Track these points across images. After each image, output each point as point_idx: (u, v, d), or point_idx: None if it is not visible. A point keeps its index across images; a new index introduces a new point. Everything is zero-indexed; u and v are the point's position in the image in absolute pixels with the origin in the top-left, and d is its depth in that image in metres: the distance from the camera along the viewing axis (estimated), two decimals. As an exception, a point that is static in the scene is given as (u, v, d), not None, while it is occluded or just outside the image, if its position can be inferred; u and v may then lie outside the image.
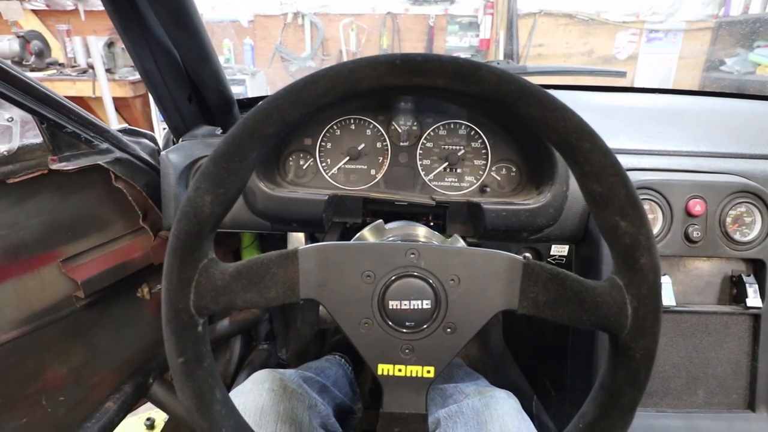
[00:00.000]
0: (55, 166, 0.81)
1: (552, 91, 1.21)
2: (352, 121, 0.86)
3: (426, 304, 0.48)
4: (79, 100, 3.51)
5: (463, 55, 4.31)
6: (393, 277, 0.48)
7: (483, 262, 0.48)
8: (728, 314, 0.84)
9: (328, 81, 0.43)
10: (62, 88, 3.43)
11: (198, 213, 0.43)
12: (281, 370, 0.81)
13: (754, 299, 0.82)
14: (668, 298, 0.81)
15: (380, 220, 0.64)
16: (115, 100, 3.39)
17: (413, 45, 4.48)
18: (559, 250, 0.93)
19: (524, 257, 0.48)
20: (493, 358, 1.34)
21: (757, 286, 0.82)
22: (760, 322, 0.83)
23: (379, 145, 0.86)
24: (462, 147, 0.85)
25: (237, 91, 3.84)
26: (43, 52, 3.55)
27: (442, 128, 0.85)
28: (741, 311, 0.83)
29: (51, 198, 0.87)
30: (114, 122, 3.39)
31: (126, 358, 1.06)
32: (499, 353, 1.31)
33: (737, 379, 0.84)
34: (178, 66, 0.81)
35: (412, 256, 0.48)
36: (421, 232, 0.66)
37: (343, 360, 1.14)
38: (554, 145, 0.45)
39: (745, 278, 0.83)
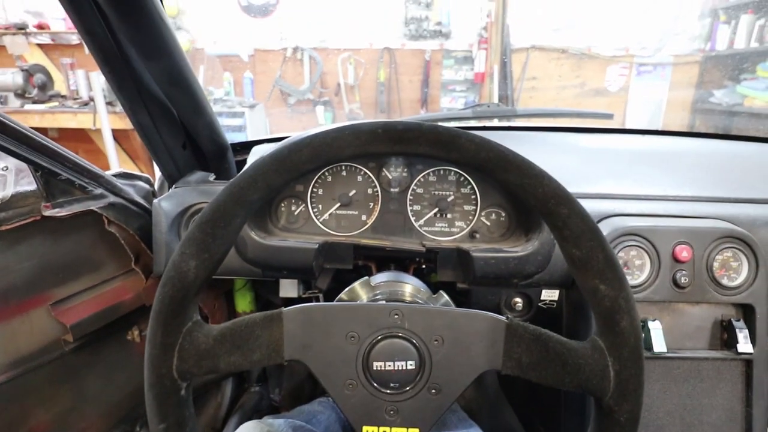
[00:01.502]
0: (48, 213, 0.82)
1: (541, 133, 1.24)
2: (343, 168, 0.87)
3: (410, 365, 0.48)
4: (79, 131, 3.56)
5: (458, 87, 4.39)
6: (378, 338, 0.49)
7: (466, 323, 0.49)
8: (720, 360, 0.83)
9: (312, 149, 0.44)
10: (63, 120, 3.49)
11: (182, 278, 0.44)
12: (270, 420, 0.80)
13: (744, 345, 0.81)
14: (659, 344, 0.81)
15: (367, 278, 0.64)
16: (115, 131, 3.43)
17: (410, 78, 4.58)
18: (550, 294, 0.93)
19: (507, 318, 0.49)
20: (489, 400, 1.32)
21: (747, 331, 0.82)
22: (752, 368, 0.82)
23: (369, 191, 0.87)
24: (452, 193, 0.87)
25: (236, 123, 3.91)
26: (45, 85, 3.62)
27: (432, 174, 0.87)
28: (733, 356, 0.83)
29: (43, 242, 0.87)
30: (112, 153, 3.42)
31: (114, 403, 1.04)
32: (494, 395, 1.29)
33: (732, 426, 0.83)
34: (172, 118, 0.82)
35: (396, 317, 0.49)
36: (408, 289, 0.66)
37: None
38: (534, 210, 0.46)
39: (734, 323, 0.83)
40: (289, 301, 1.04)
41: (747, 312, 0.83)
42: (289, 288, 1.01)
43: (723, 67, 4.22)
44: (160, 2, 0.62)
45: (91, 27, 0.62)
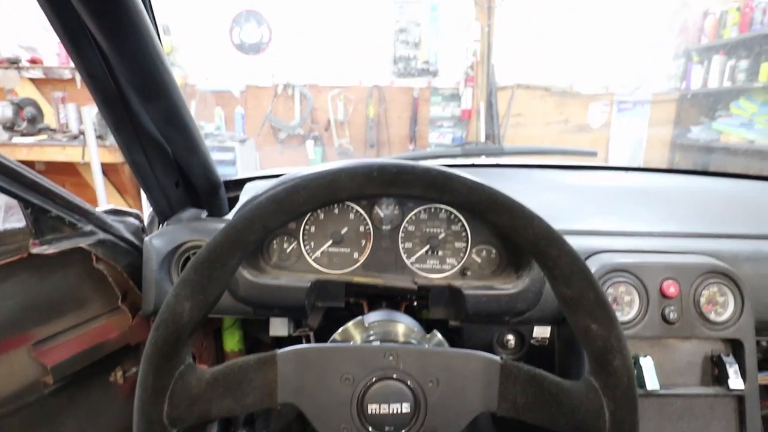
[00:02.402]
0: (35, 250, 0.81)
1: (528, 171, 1.27)
2: (335, 206, 0.88)
3: (405, 408, 0.48)
4: (67, 165, 3.54)
5: (446, 123, 4.49)
6: (373, 380, 0.48)
7: (461, 364, 0.49)
8: (712, 396, 0.83)
9: (309, 191, 0.45)
10: (52, 153, 3.48)
11: (177, 320, 0.43)
12: None
13: (735, 381, 0.82)
14: (651, 382, 0.81)
15: (360, 318, 0.64)
16: (104, 165, 3.43)
17: (398, 114, 4.68)
18: (542, 331, 0.93)
19: (501, 358, 0.49)
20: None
21: (737, 366, 0.82)
22: (744, 404, 0.82)
23: (361, 228, 0.88)
24: (443, 230, 0.88)
25: (226, 157, 3.93)
26: (35, 118, 3.63)
27: (423, 212, 0.88)
28: (725, 393, 0.83)
29: (28, 279, 0.85)
30: (101, 187, 3.40)
31: None
32: None
33: None
34: (167, 156, 0.83)
35: (390, 358, 0.49)
36: (401, 329, 0.66)
37: None
38: (525, 250, 0.47)
39: (724, 358, 0.83)
40: (279, 340, 1.03)
41: (736, 347, 0.84)
42: (279, 326, 1.00)
43: (699, 105, 4.40)
44: (161, 46, 0.64)
45: (94, 70, 0.63)
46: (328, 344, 0.52)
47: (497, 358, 0.49)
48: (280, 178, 0.76)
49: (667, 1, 4.40)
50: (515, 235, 0.46)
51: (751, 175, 1.28)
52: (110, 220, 0.93)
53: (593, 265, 0.84)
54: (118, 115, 0.71)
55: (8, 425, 0.83)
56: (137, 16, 0.55)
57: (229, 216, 0.94)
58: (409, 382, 0.48)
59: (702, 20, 4.27)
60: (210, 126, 4.38)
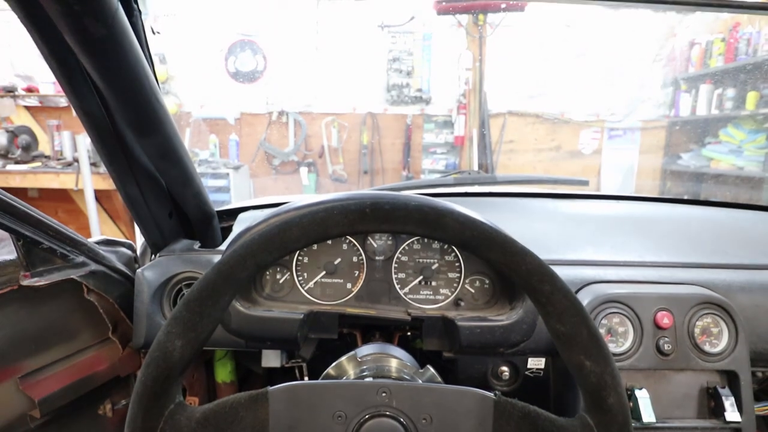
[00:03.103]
0: (26, 282, 0.80)
1: (521, 200, 1.28)
2: None
3: None
4: (61, 191, 3.54)
5: (439, 150, 4.53)
6: (365, 417, 0.48)
7: (454, 400, 0.48)
8: (709, 429, 0.82)
9: (302, 229, 0.45)
10: (45, 180, 3.48)
11: (167, 358, 0.43)
12: None
13: (731, 413, 0.81)
14: (647, 414, 0.80)
15: (354, 352, 0.64)
16: (98, 192, 3.43)
17: (392, 141, 4.74)
18: (536, 363, 0.92)
19: (495, 394, 0.49)
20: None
21: (733, 398, 0.82)
22: None
23: (355, 259, 0.88)
24: (436, 260, 0.88)
25: (220, 184, 3.94)
26: (30, 146, 3.65)
27: (416, 242, 0.88)
28: (722, 426, 0.82)
29: (18, 310, 0.84)
30: (94, 214, 3.39)
31: None
32: None
33: None
34: (160, 188, 0.84)
35: (383, 395, 0.48)
36: (394, 364, 0.66)
37: None
38: (518, 286, 0.48)
39: (720, 390, 0.83)
40: (272, 371, 1.01)
41: (731, 378, 0.84)
42: (271, 357, 0.98)
43: (688, 132, 4.50)
44: (156, 82, 0.65)
45: (89, 107, 0.64)
46: (320, 381, 0.52)
47: (491, 394, 0.49)
48: (274, 210, 0.77)
49: (655, 31, 4.53)
50: (508, 270, 0.46)
51: (743, 204, 1.30)
52: (102, 250, 0.92)
53: (586, 296, 0.84)
54: (112, 149, 0.72)
55: None
56: (132, 55, 0.56)
57: (223, 246, 0.93)
58: (402, 420, 0.48)
59: (689, 50, 4.40)
60: (204, 153, 4.41)
